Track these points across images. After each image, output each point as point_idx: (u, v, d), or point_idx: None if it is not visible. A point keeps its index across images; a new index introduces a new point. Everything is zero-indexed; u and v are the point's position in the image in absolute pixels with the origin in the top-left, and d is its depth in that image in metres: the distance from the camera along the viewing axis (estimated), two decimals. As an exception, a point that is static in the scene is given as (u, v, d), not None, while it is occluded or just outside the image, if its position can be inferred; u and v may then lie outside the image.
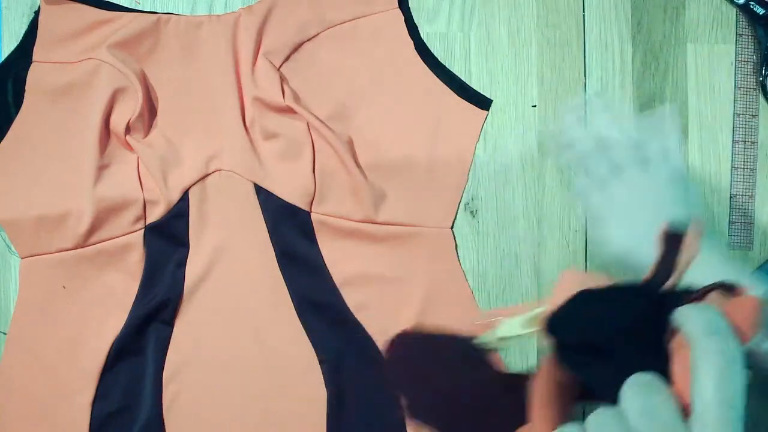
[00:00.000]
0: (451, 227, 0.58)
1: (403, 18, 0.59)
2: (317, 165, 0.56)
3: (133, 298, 0.55)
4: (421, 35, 0.60)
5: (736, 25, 0.61)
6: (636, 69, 0.61)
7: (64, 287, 0.56)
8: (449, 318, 0.57)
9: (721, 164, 0.60)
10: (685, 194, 0.51)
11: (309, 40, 0.58)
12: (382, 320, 0.56)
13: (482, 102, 0.59)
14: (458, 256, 0.58)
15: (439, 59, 0.59)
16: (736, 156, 0.60)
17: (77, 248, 0.55)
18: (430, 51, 0.59)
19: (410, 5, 0.60)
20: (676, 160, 0.52)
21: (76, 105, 0.56)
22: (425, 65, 0.59)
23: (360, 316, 0.56)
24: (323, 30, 0.58)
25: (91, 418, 0.54)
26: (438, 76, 0.59)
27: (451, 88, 0.59)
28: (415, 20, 0.60)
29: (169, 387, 0.55)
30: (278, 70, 0.56)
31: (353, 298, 0.56)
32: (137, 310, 0.55)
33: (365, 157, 0.57)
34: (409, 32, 0.59)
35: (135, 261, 0.55)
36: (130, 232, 0.55)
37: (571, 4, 0.61)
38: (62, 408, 0.55)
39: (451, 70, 0.60)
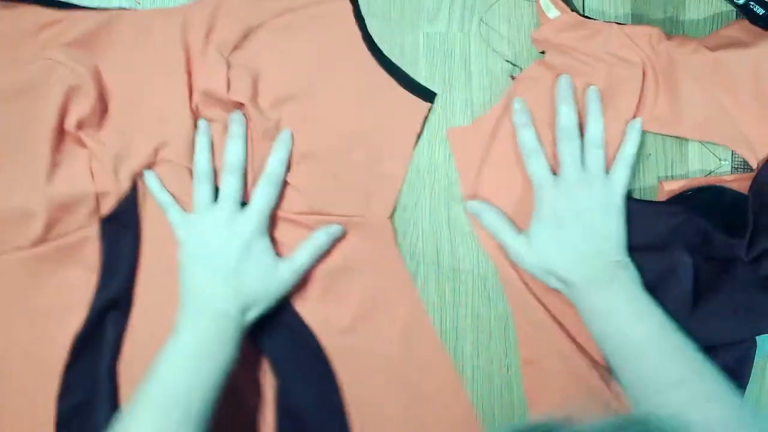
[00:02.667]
0: (390, 217, 0.59)
1: (351, 8, 0.59)
2: (255, 158, 0.57)
3: (93, 291, 0.56)
4: (421, 36, 0.60)
5: (736, 25, 0.61)
6: (636, 69, 0.61)
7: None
8: (389, 308, 0.58)
9: (721, 166, 0.60)
10: (617, 226, 0.54)
11: (257, 28, 0.58)
12: (322, 312, 0.57)
13: (426, 95, 0.60)
14: (398, 246, 0.59)
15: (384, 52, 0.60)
16: (736, 156, 0.60)
17: (35, 246, 0.56)
18: (375, 42, 0.60)
19: (410, 5, 0.60)
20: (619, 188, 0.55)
21: (30, 105, 0.56)
22: (371, 56, 0.59)
23: (300, 308, 0.57)
24: (271, 18, 0.58)
25: (57, 414, 0.55)
26: (384, 67, 0.59)
27: (396, 80, 0.59)
28: (415, 20, 0.60)
29: (125, 376, 0.56)
30: (226, 59, 0.57)
31: (296, 293, 0.57)
32: (97, 303, 0.56)
33: (307, 146, 0.57)
34: (357, 23, 0.59)
35: (92, 254, 0.57)
36: (86, 227, 0.56)
37: (571, 4, 0.61)
38: (28, 405, 0.56)
39: (451, 70, 0.60)
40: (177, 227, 0.54)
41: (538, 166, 0.55)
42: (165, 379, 0.49)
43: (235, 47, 0.58)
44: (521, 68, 0.60)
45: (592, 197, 0.54)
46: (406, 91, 0.59)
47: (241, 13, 0.58)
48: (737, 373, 0.55)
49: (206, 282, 0.52)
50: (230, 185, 0.53)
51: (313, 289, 0.58)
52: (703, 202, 0.57)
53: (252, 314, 0.53)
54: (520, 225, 0.58)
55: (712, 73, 0.56)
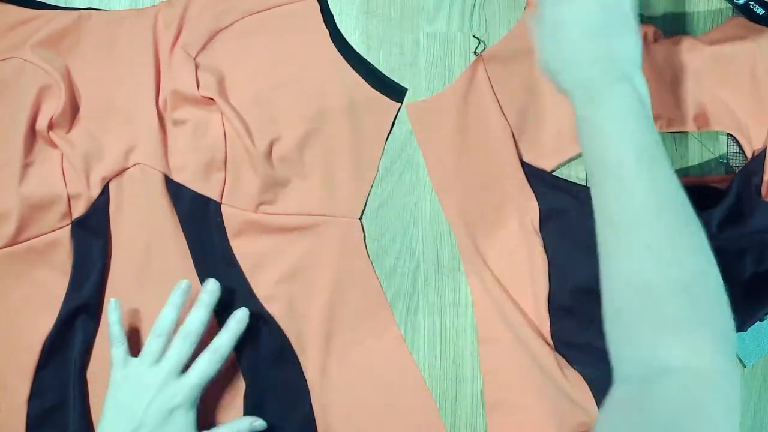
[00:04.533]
0: (360, 218, 0.59)
1: (319, 8, 0.59)
2: (229, 156, 0.57)
3: (63, 295, 0.56)
4: (421, 36, 0.60)
5: (736, 24, 0.61)
6: (636, 69, 0.61)
7: None
8: (358, 309, 0.58)
9: (719, 164, 0.60)
10: (626, 21, 0.47)
11: (224, 29, 0.58)
12: (291, 311, 0.57)
13: (396, 93, 0.60)
14: (366, 247, 0.59)
15: (356, 49, 0.60)
16: (732, 155, 0.60)
17: (7, 247, 0.55)
18: (345, 41, 0.60)
19: (410, 5, 0.60)
20: None
21: (1, 104, 0.56)
22: (340, 55, 0.59)
23: (270, 308, 0.57)
24: (239, 19, 0.58)
25: (27, 416, 0.55)
26: (353, 67, 0.59)
27: (365, 79, 0.59)
28: (415, 20, 0.60)
29: (95, 382, 0.56)
30: (194, 59, 0.57)
31: (263, 290, 0.58)
32: (67, 306, 0.56)
33: (278, 147, 0.57)
34: (324, 22, 0.59)
35: (64, 257, 0.56)
36: (58, 229, 0.56)
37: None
38: None
39: (451, 70, 0.60)
40: (116, 367, 0.53)
41: None
42: None
43: (204, 47, 0.58)
44: (486, 45, 0.60)
45: None
46: (376, 91, 0.59)
47: (210, 13, 0.58)
48: None
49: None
50: (180, 350, 0.52)
51: (283, 289, 0.58)
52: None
53: None
54: (478, 199, 0.58)
55: (709, 68, 0.57)
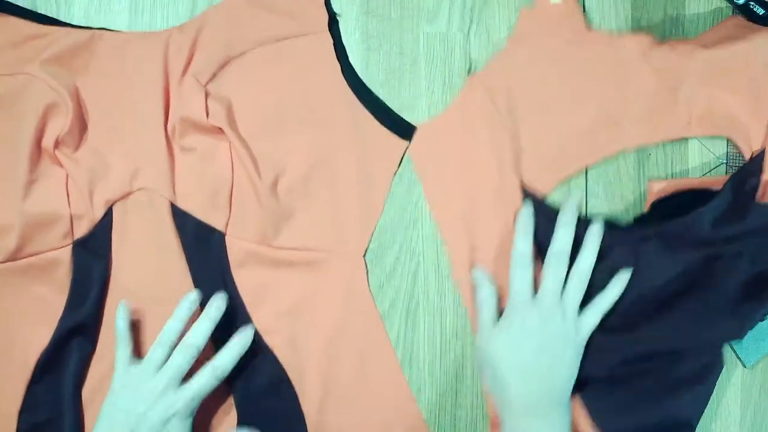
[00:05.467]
0: (364, 255, 0.59)
1: (332, 41, 0.59)
2: (235, 187, 0.56)
3: (61, 312, 0.56)
4: (421, 36, 0.60)
5: (736, 24, 0.61)
6: (636, 69, 0.61)
7: None
8: (358, 347, 0.58)
9: (719, 165, 0.60)
10: (572, 369, 0.53)
11: (236, 57, 0.58)
12: (292, 346, 0.57)
13: (405, 131, 0.59)
14: (368, 283, 0.59)
15: (367, 86, 0.59)
16: (732, 156, 0.60)
17: (7, 261, 0.55)
18: (357, 76, 0.59)
19: (410, 5, 0.60)
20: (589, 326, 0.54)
21: (6, 119, 0.56)
22: (350, 90, 0.59)
23: (270, 341, 0.57)
24: (251, 48, 0.58)
25: (17, 429, 0.55)
26: (363, 102, 0.59)
27: (374, 115, 0.59)
28: (415, 20, 0.60)
29: (90, 405, 0.56)
30: (204, 87, 0.56)
31: (263, 322, 0.57)
32: (63, 325, 0.55)
33: (284, 180, 0.57)
34: (337, 56, 0.59)
35: (63, 276, 0.56)
36: (59, 248, 0.56)
37: (571, 4, 0.61)
38: None
39: (451, 70, 0.60)
40: (118, 374, 0.53)
41: (522, 280, 0.55)
42: None
43: (214, 75, 0.57)
44: (475, 68, 0.60)
45: (562, 329, 0.53)
46: (385, 128, 0.59)
47: (222, 41, 0.58)
48: (703, 379, 0.55)
49: None
50: (180, 361, 0.52)
51: (284, 323, 0.57)
52: (685, 204, 0.57)
53: None
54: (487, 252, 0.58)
55: (707, 72, 0.57)
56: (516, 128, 0.58)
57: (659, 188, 0.58)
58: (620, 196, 0.60)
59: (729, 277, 0.54)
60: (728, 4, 0.61)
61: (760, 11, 0.59)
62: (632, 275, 0.55)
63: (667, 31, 0.61)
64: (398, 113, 0.60)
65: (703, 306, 0.54)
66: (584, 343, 0.54)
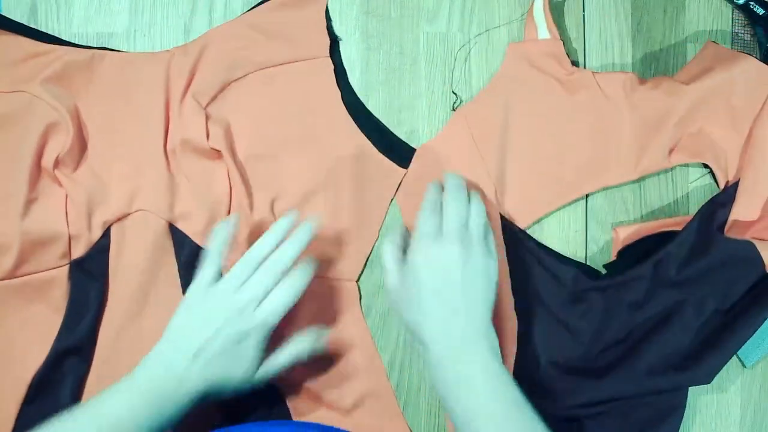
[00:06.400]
0: (357, 280, 0.58)
1: (332, 67, 0.59)
2: (233, 212, 0.56)
3: (56, 332, 0.55)
4: (421, 36, 0.60)
5: (734, 25, 0.61)
6: (636, 69, 0.61)
7: None
8: (354, 371, 0.57)
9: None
10: (486, 292, 0.51)
11: (236, 80, 0.58)
12: (285, 371, 0.55)
13: (403, 158, 0.59)
14: (362, 309, 0.58)
15: (367, 111, 0.60)
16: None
17: (4, 279, 0.54)
18: (356, 101, 0.59)
19: (410, 5, 0.60)
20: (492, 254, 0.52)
21: (6, 138, 0.56)
22: (349, 116, 0.59)
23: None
24: (252, 71, 0.58)
25: None
26: (361, 129, 0.59)
27: (372, 142, 0.58)
28: (415, 20, 0.60)
29: None
30: (204, 109, 0.56)
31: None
32: (58, 345, 0.55)
33: (279, 204, 0.57)
34: (337, 81, 0.59)
35: (59, 296, 0.55)
36: (56, 267, 0.55)
37: (571, 3, 0.61)
38: None
39: (451, 70, 0.60)
40: (193, 291, 0.52)
41: (431, 223, 0.52)
42: (101, 405, 0.48)
43: (214, 97, 0.57)
44: (462, 100, 0.60)
45: (467, 257, 0.50)
46: (383, 156, 0.59)
47: (224, 63, 0.57)
48: (666, 419, 0.55)
49: (184, 345, 0.50)
50: (265, 278, 0.51)
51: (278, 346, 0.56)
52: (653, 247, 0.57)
53: (208, 392, 0.50)
54: None
55: (690, 108, 0.57)
56: (495, 166, 0.58)
57: (625, 235, 0.58)
58: (620, 196, 0.60)
59: (695, 322, 0.55)
60: (728, 4, 0.61)
61: (760, 11, 0.59)
62: (600, 323, 0.55)
63: (667, 31, 0.61)
64: (398, 113, 0.60)
65: (671, 352, 0.54)
66: (495, 268, 0.52)
